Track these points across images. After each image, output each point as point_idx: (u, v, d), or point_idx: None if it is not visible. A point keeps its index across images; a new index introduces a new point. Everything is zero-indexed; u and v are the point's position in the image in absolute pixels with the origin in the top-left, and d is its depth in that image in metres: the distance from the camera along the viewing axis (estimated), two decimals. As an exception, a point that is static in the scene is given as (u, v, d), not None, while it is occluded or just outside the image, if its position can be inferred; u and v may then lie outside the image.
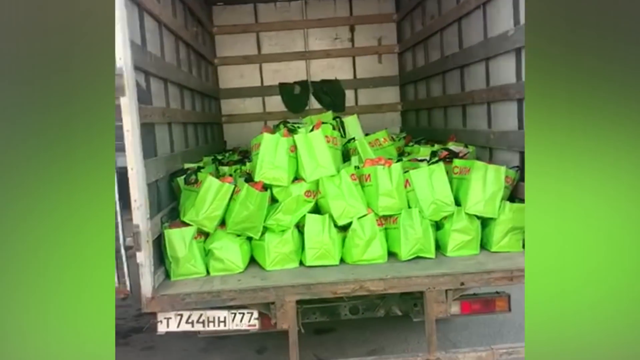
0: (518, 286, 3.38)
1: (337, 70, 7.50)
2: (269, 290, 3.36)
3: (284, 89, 7.41)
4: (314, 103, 7.48)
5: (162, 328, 3.44)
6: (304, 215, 3.78)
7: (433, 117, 6.31)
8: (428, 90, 6.42)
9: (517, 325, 4.95)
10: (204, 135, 6.09)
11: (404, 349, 4.79)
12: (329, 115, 5.16)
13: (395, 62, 7.52)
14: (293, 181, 3.88)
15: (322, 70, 7.47)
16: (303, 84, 7.43)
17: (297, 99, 7.42)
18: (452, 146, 4.73)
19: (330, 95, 7.46)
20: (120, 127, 3.17)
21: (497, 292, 3.84)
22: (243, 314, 3.47)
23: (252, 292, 3.36)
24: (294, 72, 7.45)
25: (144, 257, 3.24)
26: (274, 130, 4.46)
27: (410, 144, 5.39)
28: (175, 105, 4.73)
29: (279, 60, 7.39)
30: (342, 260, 3.76)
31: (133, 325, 5.72)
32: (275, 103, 7.45)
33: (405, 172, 3.94)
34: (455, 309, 3.75)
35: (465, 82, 5.17)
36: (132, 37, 3.33)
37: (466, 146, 4.71)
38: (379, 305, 3.90)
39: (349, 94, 7.51)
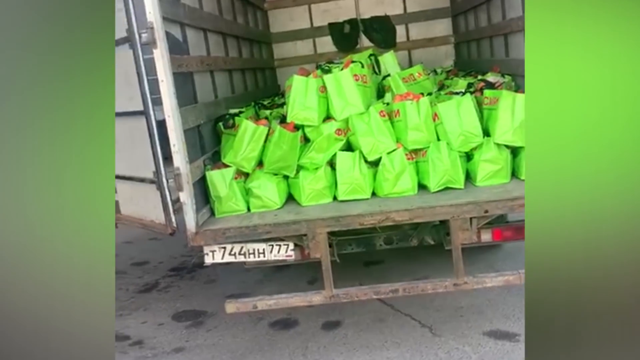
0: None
1: (386, 5, 7.41)
2: (300, 223, 3.59)
3: (334, 29, 7.43)
4: (365, 41, 7.48)
5: (208, 260, 3.79)
6: (336, 153, 3.95)
7: (481, 48, 6.19)
8: (476, 21, 6.28)
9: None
10: (254, 81, 6.29)
11: (447, 278, 4.93)
12: (367, 52, 5.22)
13: (447, -8, 7.36)
14: (324, 120, 4.04)
15: (371, 7, 7.40)
16: (352, 22, 7.41)
17: (347, 37, 7.43)
18: (491, 77, 4.71)
19: (381, 32, 7.41)
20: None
21: (529, 219, 3.91)
22: (280, 245, 3.74)
23: (286, 225, 3.61)
24: (343, 10, 7.42)
25: (186, 196, 3.55)
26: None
27: (452, 77, 5.38)
28: (218, 53, 4.94)
29: (328, 0, 7.40)
30: (374, 195, 3.92)
31: (199, 261, 6.19)
32: (326, 44, 7.46)
33: (434, 105, 4.00)
34: (486, 236, 3.89)
35: (506, 9, 5.05)
36: None
37: (503, 76, 4.67)
38: (412, 235, 4.07)
39: (400, 29, 7.44)
